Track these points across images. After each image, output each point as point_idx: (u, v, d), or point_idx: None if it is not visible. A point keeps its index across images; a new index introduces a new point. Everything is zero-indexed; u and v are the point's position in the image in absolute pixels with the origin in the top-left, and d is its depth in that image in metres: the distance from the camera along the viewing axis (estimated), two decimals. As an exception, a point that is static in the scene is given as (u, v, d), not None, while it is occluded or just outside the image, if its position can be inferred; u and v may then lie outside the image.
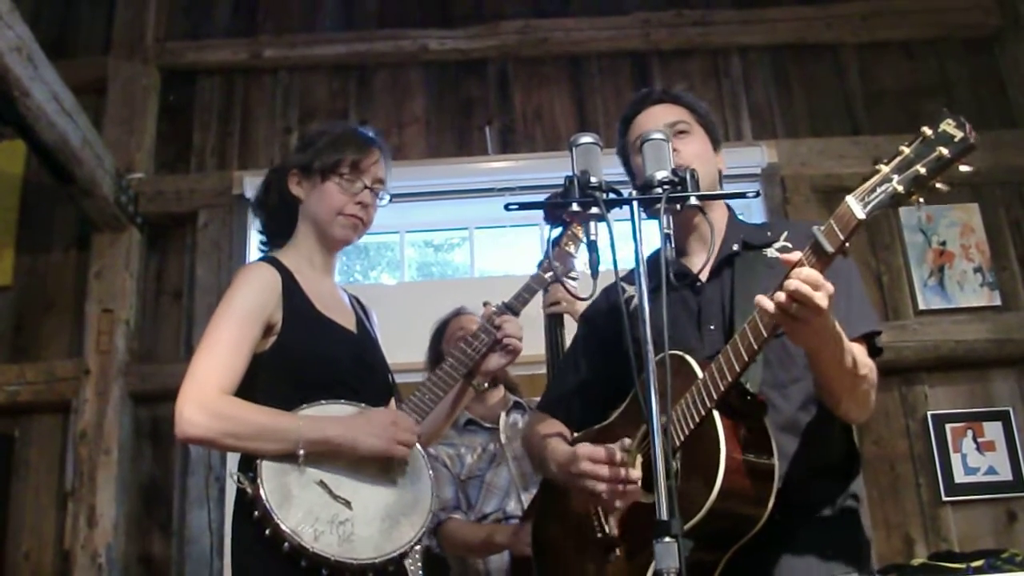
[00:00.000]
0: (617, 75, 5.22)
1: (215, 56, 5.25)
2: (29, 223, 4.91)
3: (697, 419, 2.19)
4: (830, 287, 1.97)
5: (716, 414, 2.16)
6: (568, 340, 3.15)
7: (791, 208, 4.74)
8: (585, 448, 2.36)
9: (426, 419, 2.70)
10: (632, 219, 2.12)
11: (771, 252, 2.48)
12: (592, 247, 2.10)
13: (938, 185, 1.87)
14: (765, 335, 2.07)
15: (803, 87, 5.19)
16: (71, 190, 4.36)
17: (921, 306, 4.70)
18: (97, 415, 4.45)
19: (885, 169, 1.90)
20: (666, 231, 2.10)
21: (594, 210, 2.10)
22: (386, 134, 4.93)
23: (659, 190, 2.13)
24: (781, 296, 1.98)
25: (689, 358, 2.29)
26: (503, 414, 3.88)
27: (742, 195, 2.47)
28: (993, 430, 4.51)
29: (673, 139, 2.50)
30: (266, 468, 2.38)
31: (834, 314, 2.07)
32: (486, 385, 2.92)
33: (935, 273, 4.74)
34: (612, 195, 2.14)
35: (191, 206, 4.87)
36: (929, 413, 4.53)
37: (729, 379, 2.14)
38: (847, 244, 1.94)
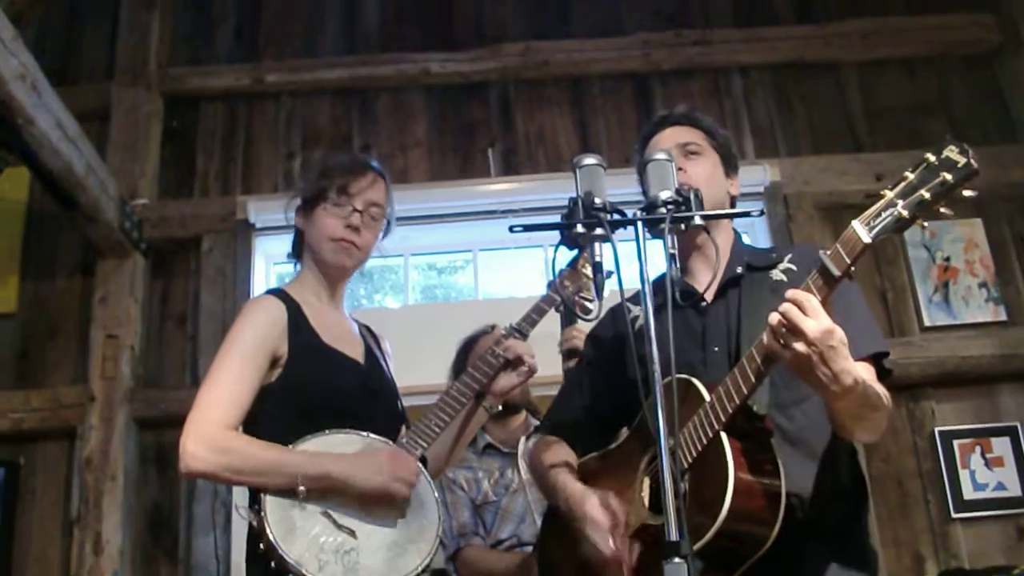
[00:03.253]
0: (619, 96, 5.23)
1: (218, 82, 5.27)
2: (33, 250, 4.92)
3: (705, 441, 2.18)
4: (819, 330, 1.97)
5: (724, 436, 2.16)
6: None
7: (794, 226, 4.74)
8: (594, 511, 2.36)
9: (434, 444, 2.68)
10: (636, 239, 2.12)
11: (776, 275, 2.48)
12: (597, 268, 2.11)
13: (942, 209, 1.89)
14: (772, 358, 2.07)
15: (804, 105, 5.20)
16: (75, 216, 4.37)
17: (926, 322, 4.69)
18: (102, 441, 4.44)
19: (890, 194, 1.92)
20: (671, 251, 2.11)
21: (599, 231, 2.11)
22: (389, 158, 4.97)
23: (663, 210, 2.14)
24: (774, 318, 2.00)
25: (696, 381, 2.28)
26: (523, 439, 3.86)
27: (746, 214, 2.46)
28: (1001, 446, 4.50)
29: (682, 159, 2.55)
30: (270, 502, 2.39)
31: None
32: (500, 407, 2.90)
33: (940, 289, 4.74)
34: (616, 216, 2.14)
35: (195, 231, 4.88)
36: (936, 429, 4.52)
37: (737, 401, 2.14)
38: (853, 268, 1.95)
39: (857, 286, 2.44)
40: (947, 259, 4.78)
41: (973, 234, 4.82)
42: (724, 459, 2.13)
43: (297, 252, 2.88)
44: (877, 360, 2.36)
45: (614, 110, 5.20)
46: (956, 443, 4.50)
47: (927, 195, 1.87)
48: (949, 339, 4.62)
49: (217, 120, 5.22)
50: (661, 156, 2.26)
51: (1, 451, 4.56)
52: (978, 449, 4.49)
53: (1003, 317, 4.71)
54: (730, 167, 2.70)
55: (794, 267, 2.47)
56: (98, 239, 4.58)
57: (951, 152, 1.87)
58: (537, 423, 3.92)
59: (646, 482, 2.33)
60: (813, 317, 1.97)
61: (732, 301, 2.49)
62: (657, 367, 1.99)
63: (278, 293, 2.71)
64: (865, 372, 2.23)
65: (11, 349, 4.76)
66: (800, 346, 1.97)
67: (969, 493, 4.43)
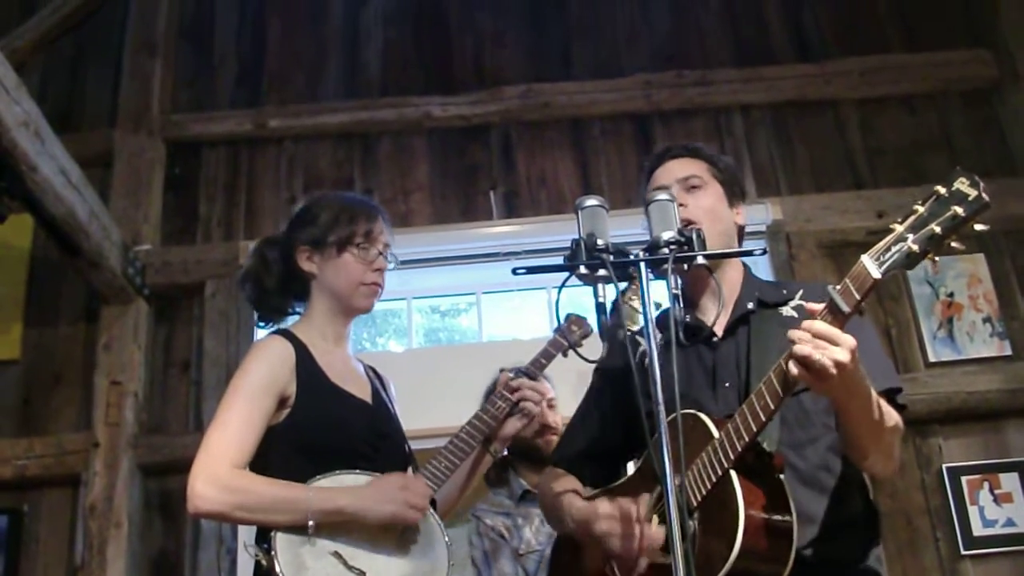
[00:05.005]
0: (620, 137, 5.25)
1: (220, 127, 5.30)
2: (37, 296, 4.92)
3: (714, 479, 2.17)
4: (851, 341, 1.97)
5: (733, 474, 2.15)
6: None
7: (797, 265, 4.74)
8: (604, 507, 2.35)
9: (443, 487, 2.69)
10: (640, 280, 2.12)
11: (786, 311, 2.48)
12: (600, 309, 2.11)
13: (953, 244, 1.86)
14: (781, 395, 2.07)
15: (805, 143, 5.21)
16: (78, 263, 4.38)
17: (931, 358, 4.67)
18: (107, 488, 4.42)
19: (899, 228, 1.89)
20: (674, 291, 2.11)
21: (602, 272, 2.11)
22: (391, 201, 4.99)
23: (666, 250, 2.14)
24: (804, 350, 1.98)
25: (704, 417, 2.28)
26: None
27: (748, 253, 2.46)
28: (1010, 481, 4.47)
29: (684, 194, 2.54)
30: (280, 540, 2.38)
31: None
32: (505, 452, 2.90)
33: (944, 325, 4.73)
34: (619, 257, 2.15)
35: (198, 277, 4.88)
36: (944, 466, 4.49)
37: (746, 439, 2.13)
38: (863, 303, 1.94)
39: (869, 321, 2.45)
40: (951, 294, 4.77)
41: (976, 269, 4.81)
42: (734, 497, 2.12)
43: (298, 292, 2.87)
44: (890, 396, 2.35)
45: (615, 151, 5.22)
46: (964, 479, 4.47)
47: (938, 229, 1.84)
48: (954, 374, 4.61)
49: (219, 165, 5.24)
50: (662, 196, 2.27)
51: (5, 498, 4.54)
52: (986, 485, 4.47)
53: (1008, 352, 4.69)
54: (735, 196, 2.69)
55: (805, 303, 2.47)
56: (101, 285, 4.58)
57: (962, 184, 1.84)
58: None
59: (655, 520, 2.32)
60: (843, 346, 1.96)
61: (742, 337, 2.48)
62: (662, 404, 1.99)
63: (285, 334, 2.72)
64: (883, 403, 2.24)
65: (15, 396, 4.75)
66: (838, 352, 1.95)
67: (978, 530, 4.39)
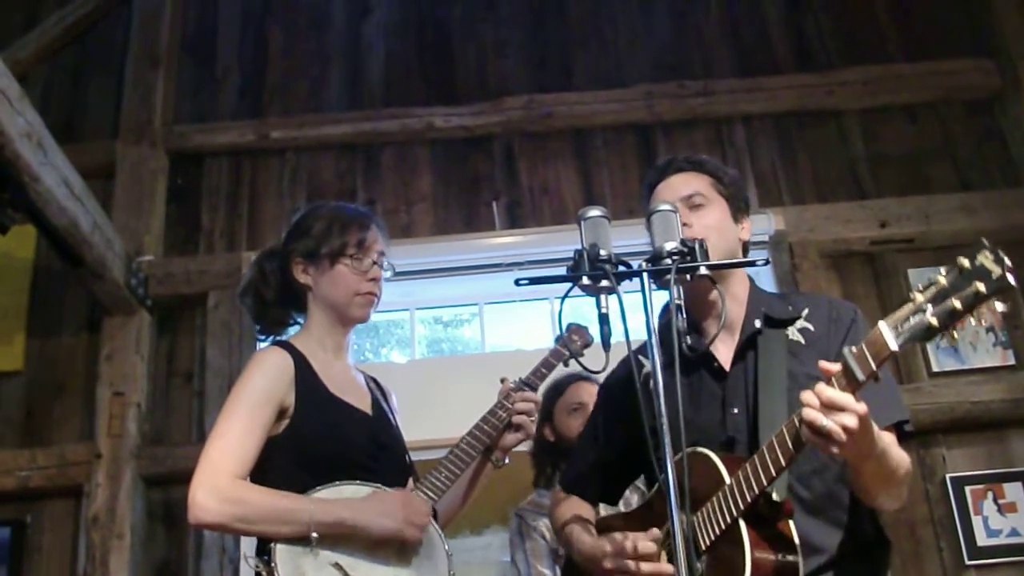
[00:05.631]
0: (622, 147, 5.26)
1: (222, 138, 5.31)
2: (40, 307, 4.93)
3: (723, 526, 2.18)
4: (861, 408, 1.95)
5: (742, 524, 2.16)
6: None
7: (800, 275, 4.73)
8: (611, 544, 2.35)
9: (443, 497, 2.68)
10: (643, 291, 2.12)
11: (792, 334, 2.47)
12: (604, 320, 2.11)
13: (971, 321, 1.82)
14: (793, 452, 2.06)
15: (807, 153, 5.21)
16: (81, 274, 4.38)
17: (935, 368, 4.67)
18: (109, 499, 4.42)
19: (920, 298, 1.85)
20: (677, 302, 2.10)
21: (604, 283, 2.11)
22: (394, 212, 4.99)
23: (668, 261, 2.14)
24: (812, 415, 1.97)
25: (715, 458, 2.27)
26: None
27: (751, 263, 2.45)
28: (1014, 491, 4.46)
29: (687, 213, 2.51)
30: (281, 551, 2.37)
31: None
32: (506, 461, 2.89)
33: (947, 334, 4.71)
34: (622, 267, 2.15)
35: (201, 288, 4.88)
36: (948, 476, 4.48)
37: (756, 491, 2.13)
38: (879, 371, 1.91)
39: None
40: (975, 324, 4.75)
41: (1005, 300, 4.79)
42: (742, 547, 2.14)
43: (295, 303, 2.88)
44: (899, 425, 2.35)
45: (618, 161, 5.22)
46: (968, 489, 4.46)
47: (958, 305, 1.78)
48: (958, 384, 4.60)
49: (222, 176, 5.25)
50: (665, 207, 2.27)
51: (8, 510, 4.54)
52: (990, 495, 4.46)
53: (1011, 361, 4.68)
54: (739, 210, 2.66)
55: (811, 327, 2.46)
56: (104, 296, 4.59)
57: (985, 259, 1.77)
58: None
59: (663, 556, 2.32)
60: (851, 413, 1.94)
61: (750, 361, 2.46)
62: (668, 440, 2.00)
63: (284, 345, 2.71)
64: (888, 437, 2.24)
65: (18, 407, 4.75)
66: (847, 419, 1.93)
67: (982, 540, 4.38)
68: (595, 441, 2.76)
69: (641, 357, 2.38)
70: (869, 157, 5.17)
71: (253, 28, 5.67)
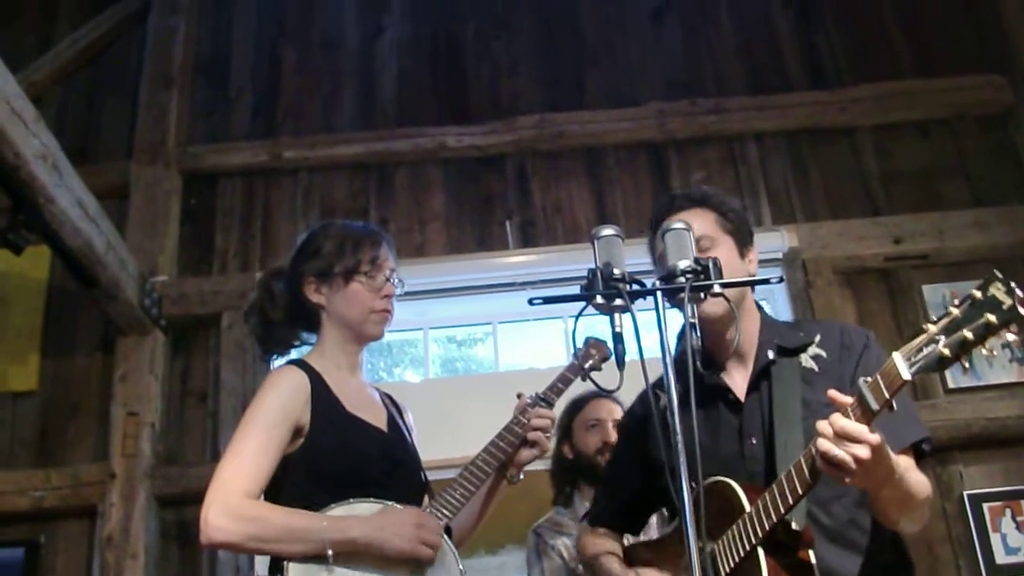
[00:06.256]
0: (634, 165, 5.25)
1: (236, 159, 5.32)
2: (54, 328, 4.94)
3: (742, 554, 2.20)
4: (875, 439, 1.96)
5: (760, 552, 2.17)
6: None
7: (814, 292, 4.72)
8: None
9: (458, 515, 2.68)
10: (656, 309, 2.12)
11: (806, 361, 2.48)
12: (618, 339, 2.10)
13: (984, 351, 1.85)
14: (810, 482, 2.07)
15: (820, 170, 5.20)
16: (95, 294, 4.39)
17: (951, 384, 4.64)
18: (123, 519, 4.42)
19: (932, 329, 1.88)
20: (691, 320, 2.10)
21: (618, 302, 2.11)
22: (407, 231, 5.00)
23: (682, 280, 2.13)
24: (825, 446, 1.99)
25: (736, 486, 2.29)
26: None
27: (765, 281, 2.45)
28: (1032, 508, 4.44)
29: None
30: (294, 570, 2.37)
31: (874, 427, 2.07)
32: (521, 477, 2.89)
33: (963, 351, 4.69)
34: (636, 286, 2.14)
35: (215, 308, 4.89)
36: (965, 493, 4.45)
37: (774, 519, 2.14)
38: (892, 400, 1.93)
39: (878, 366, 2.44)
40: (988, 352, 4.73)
41: (1015, 331, 4.76)
42: (759, 572, 2.16)
43: (307, 323, 2.88)
44: (917, 446, 2.35)
45: (630, 180, 5.21)
46: (986, 506, 4.43)
47: (970, 336, 1.82)
48: (974, 401, 4.57)
49: (235, 197, 5.26)
50: (679, 225, 2.26)
51: (22, 530, 4.54)
52: (1008, 512, 4.43)
53: (1027, 377, 4.66)
54: (744, 244, 2.66)
55: (823, 353, 2.48)
56: (118, 317, 4.60)
57: (997, 290, 1.82)
58: None
59: None
60: (864, 445, 1.96)
61: (765, 391, 2.48)
62: (685, 472, 2.00)
63: (299, 364, 2.71)
64: (905, 461, 2.24)
65: (32, 427, 4.76)
66: (859, 449, 1.95)
67: (1001, 557, 4.35)
68: (617, 476, 2.79)
69: (658, 391, 2.38)
70: (882, 174, 5.16)
71: (266, 48, 5.69)
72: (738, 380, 2.52)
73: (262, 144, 5.34)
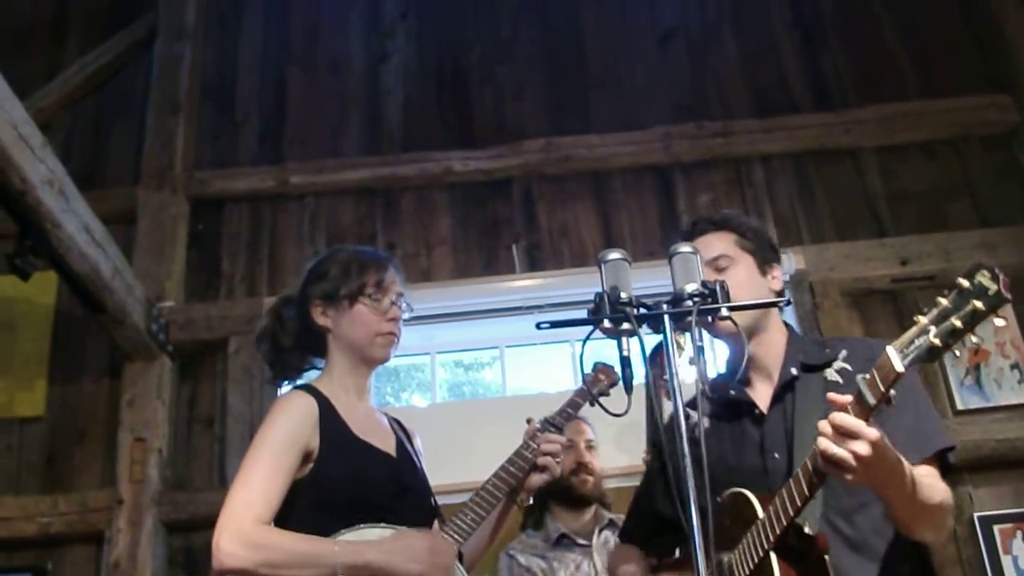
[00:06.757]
0: (641, 189, 5.25)
1: (242, 184, 5.33)
2: (61, 353, 4.94)
3: (756, 560, 2.20)
4: (873, 434, 1.97)
5: (773, 556, 2.17)
6: None
7: (822, 314, 4.71)
8: None
9: (469, 539, 2.67)
10: (663, 332, 2.13)
11: (831, 374, 2.49)
12: (625, 363, 2.11)
13: (973, 339, 1.88)
14: (816, 481, 2.07)
15: (826, 192, 5.20)
16: (102, 319, 4.40)
17: (959, 406, 4.62)
18: (130, 545, 4.40)
19: (923, 320, 1.90)
20: (698, 344, 2.11)
21: (625, 326, 2.11)
22: (414, 256, 5.00)
23: (689, 303, 2.14)
24: (824, 444, 2.00)
25: (751, 496, 2.30)
26: (596, 531, 3.84)
27: (773, 304, 2.47)
28: (1043, 530, 4.42)
29: (715, 275, 2.56)
30: None
31: (897, 437, 2.07)
32: (530, 501, 2.89)
33: (971, 372, 4.69)
34: (643, 310, 2.15)
35: (222, 333, 4.89)
36: (976, 515, 4.42)
37: (784, 523, 2.14)
38: (891, 394, 1.93)
39: (917, 381, 2.43)
40: (977, 341, 4.72)
41: (1003, 315, 4.76)
42: None
43: (316, 348, 2.88)
44: (941, 455, 2.36)
45: (636, 203, 5.21)
46: (996, 528, 4.41)
47: (958, 323, 1.85)
48: (983, 422, 4.55)
49: (242, 222, 5.27)
50: (686, 249, 2.27)
51: (29, 556, 4.53)
52: (1019, 534, 4.40)
53: (1036, 399, 4.65)
54: (766, 262, 2.71)
55: (848, 366, 2.49)
56: (125, 342, 4.60)
57: (983, 278, 1.84)
58: (609, 515, 3.92)
59: None
60: (863, 440, 1.97)
61: (789, 405, 2.50)
62: (689, 465, 2.01)
63: (308, 388, 2.72)
64: (926, 470, 2.26)
65: (39, 453, 4.76)
66: (859, 446, 1.96)
67: (1012, 580, 4.34)
68: (645, 494, 2.82)
69: (689, 409, 2.39)
70: (888, 195, 5.16)
71: (272, 74, 5.71)
72: (763, 395, 2.56)
73: (269, 169, 5.35)
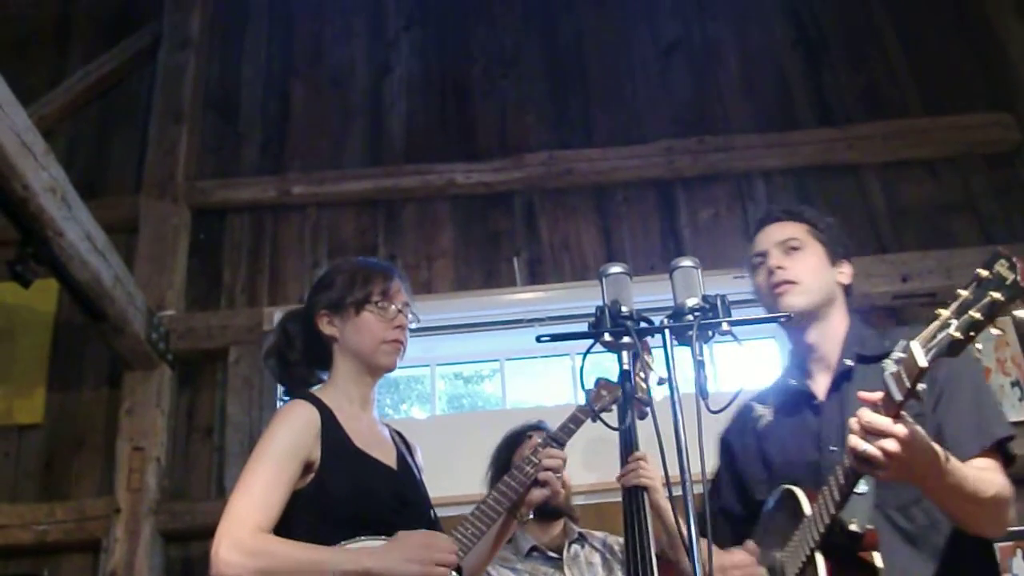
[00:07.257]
0: (642, 203, 5.26)
1: (244, 194, 5.34)
2: (61, 361, 4.94)
3: (803, 560, 2.20)
4: (901, 431, 1.97)
5: (819, 556, 2.17)
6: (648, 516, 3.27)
7: (822, 329, 4.70)
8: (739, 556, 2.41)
9: (470, 553, 2.67)
10: (664, 347, 2.13)
11: (889, 366, 2.49)
12: (626, 377, 2.11)
13: (993, 331, 1.85)
14: (852, 478, 2.08)
15: (828, 208, 5.15)
16: (102, 328, 4.39)
17: (960, 424, 4.61)
18: (128, 554, 4.39)
19: (945, 313, 1.89)
20: (699, 358, 2.11)
21: (626, 339, 2.11)
22: (415, 268, 5.00)
23: (690, 317, 2.14)
24: (853, 441, 2.01)
25: (799, 493, 2.31)
26: (567, 544, 3.83)
27: (775, 319, 2.48)
28: (1043, 549, 4.41)
29: (783, 257, 2.63)
30: None
31: (948, 429, 2.10)
32: (530, 516, 2.89)
33: (971, 390, 4.67)
34: (644, 324, 2.15)
35: (222, 343, 4.88)
36: (975, 533, 4.42)
37: (827, 520, 2.14)
38: (918, 389, 1.93)
39: (968, 369, 2.41)
40: (998, 333, 4.70)
41: (1004, 333, 4.77)
42: None
43: (323, 361, 2.88)
44: (1000, 446, 2.34)
45: (638, 217, 5.22)
46: (996, 547, 4.37)
47: (978, 315, 1.82)
48: (984, 440, 4.54)
49: (243, 232, 5.28)
50: (687, 263, 2.27)
51: (25, 564, 4.52)
52: (1019, 552, 4.39)
53: (1037, 416, 4.63)
54: (836, 255, 2.73)
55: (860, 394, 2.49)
56: (125, 351, 4.59)
57: (1001, 267, 1.81)
58: (580, 531, 3.90)
59: None
60: (891, 440, 1.98)
61: (846, 395, 2.49)
62: (688, 483, 2.01)
63: (310, 398, 2.71)
64: (983, 463, 2.25)
65: (37, 460, 4.75)
66: (887, 443, 1.97)
67: (1012, 599, 4.32)
68: (718, 492, 2.79)
69: (756, 404, 2.47)
70: (890, 211, 5.16)
71: (275, 85, 5.73)
72: (821, 385, 2.57)
73: (271, 180, 5.36)
